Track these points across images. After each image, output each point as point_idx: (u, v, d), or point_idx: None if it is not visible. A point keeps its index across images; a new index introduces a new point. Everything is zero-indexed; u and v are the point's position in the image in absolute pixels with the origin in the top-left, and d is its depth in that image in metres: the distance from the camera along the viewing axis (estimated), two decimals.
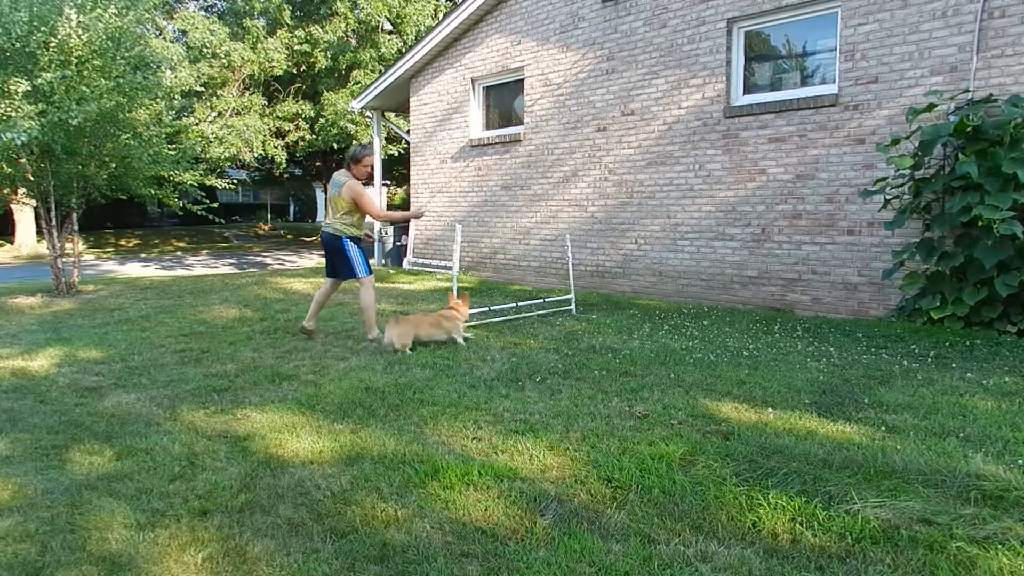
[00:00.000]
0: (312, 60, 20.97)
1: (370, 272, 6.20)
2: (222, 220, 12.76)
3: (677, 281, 9.13)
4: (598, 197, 10.04)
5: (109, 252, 22.10)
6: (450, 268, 11.34)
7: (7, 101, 8.38)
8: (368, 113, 15.20)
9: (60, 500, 3.13)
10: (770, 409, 4.23)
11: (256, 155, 21.02)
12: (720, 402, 4.41)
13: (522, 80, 11.09)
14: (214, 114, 19.81)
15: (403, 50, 18.63)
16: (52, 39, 8.52)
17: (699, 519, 2.83)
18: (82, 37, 8.63)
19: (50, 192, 9.47)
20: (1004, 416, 3.99)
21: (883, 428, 3.82)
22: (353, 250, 6.14)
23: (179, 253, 21.74)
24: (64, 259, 10.04)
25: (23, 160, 9.06)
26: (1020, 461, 3.25)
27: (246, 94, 21.30)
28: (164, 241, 25.90)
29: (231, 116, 20.14)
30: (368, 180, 6.01)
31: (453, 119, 12.37)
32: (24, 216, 22.07)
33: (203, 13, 22.04)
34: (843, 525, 2.72)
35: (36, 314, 8.39)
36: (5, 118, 8.26)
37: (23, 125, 7.83)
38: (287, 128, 22.19)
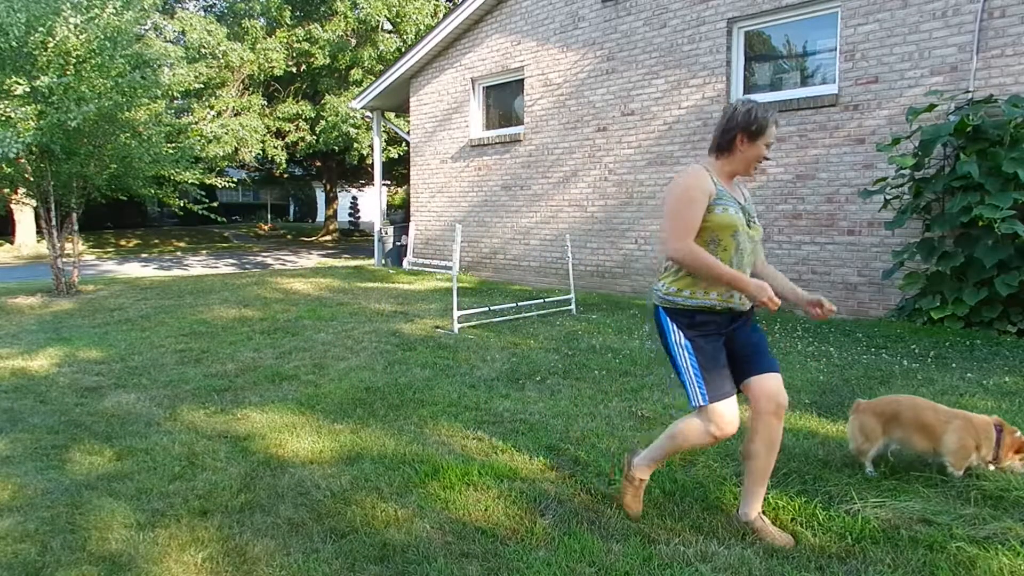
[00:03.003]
0: (311, 59, 20.98)
1: (716, 398, 2.68)
2: (223, 219, 12.77)
3: None
4: (598, 197, 10.03)
5: (109, 252, 22.10)
6: (450, 268, 11.34)
7: (5, 102, 8.37)
8: (368, 113, 15.20)
9: (60, 500, 3.13)
10: None
11: (254, 154, 21.02)
12: None
13: (522, 80, 11.09)
14: (213, 113, 19.80)
15: (402, 49, 18.63)
16: (50, 39, 8.52)
17: (699, 519, 2.83)
18: (80, 38, 8.63)
19: (50, 192, 9.47)
20: (1004, 416, 3.98)
21: None
22: (678, 338, 2.74)
23: (179, 253, 21.74)
24: (64, 259, 10.03)
25: (23, 160, 9.06)
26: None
27: (245, 94, 21.31)
28: (164, 241, 25.88)
29: (230, 116, 20.14)
30: (748, 167, 2.78)
31: (453, 119, 12.37)
32: (24, 216, 22.05)
33: (202, 13, 22.04)
34: (843, 525, 2.72)
35: (36, 314, 8.39)
36: (4, 118, 8.26)
37: (14, 136, 7.78)
38: (287, 129, 22.20)
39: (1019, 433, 3.11)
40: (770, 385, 2.69)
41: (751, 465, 2.76)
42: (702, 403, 2.68)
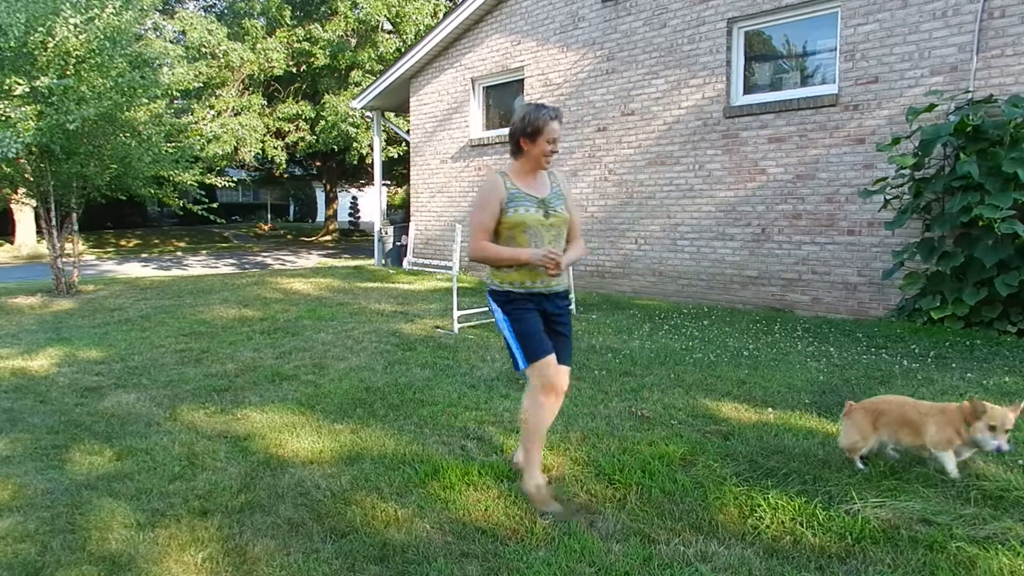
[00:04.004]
0: (311, 59, 20.99)
1: (534, 358, 3.06)
2: (222, 220, 12.75)
3: (677, 281, 9.13)
4: (598, 197, 10.03)
5: (109, 252, 22.10)
6: (450, 268, 11.34)
7: (5, 102, 8.38)
8: (368, 113, 15.19)
9: (60, 500, 3.13)
10: (770, 409, 4.23)
11: (253, 153, 21.02)
12: (720, 402, 4.41)
13: (522, 80, 11.08)
14: (212, 113, 19.81)
15: (402, 49, 18.63)
16: (50, 39, 8.51)
17: (699, 519, 2.83)
18: (79, 38, 8.63)
19: (50, 192, 9.47)
20: None
21: None
22: (499, 314, 3.19)
23: (179, 253, 21.74)
24: (64, 259, 10.03)
25: (22, 160, 9.06)
26: (1020, 461, 3.25)
27: (245, 94, 21.31)
28: (164, 241, 25.88)
29: (230, 116, 20.15)
30: (538, 162, 3.14)
31: (453, 119, 12.37)
32: (24, 216, 22.05)
33: (202, 13, 22.05)
34: (843, 525, 2.72)
35: (36, 314, 8.39)
36: (4, 118, 8.26)
37: (13, 136, 7.77)
38: (287, 129, 22.20)
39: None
40: (560, 376, 3.12)
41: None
42: (524, 365, 3.06)
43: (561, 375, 3.12)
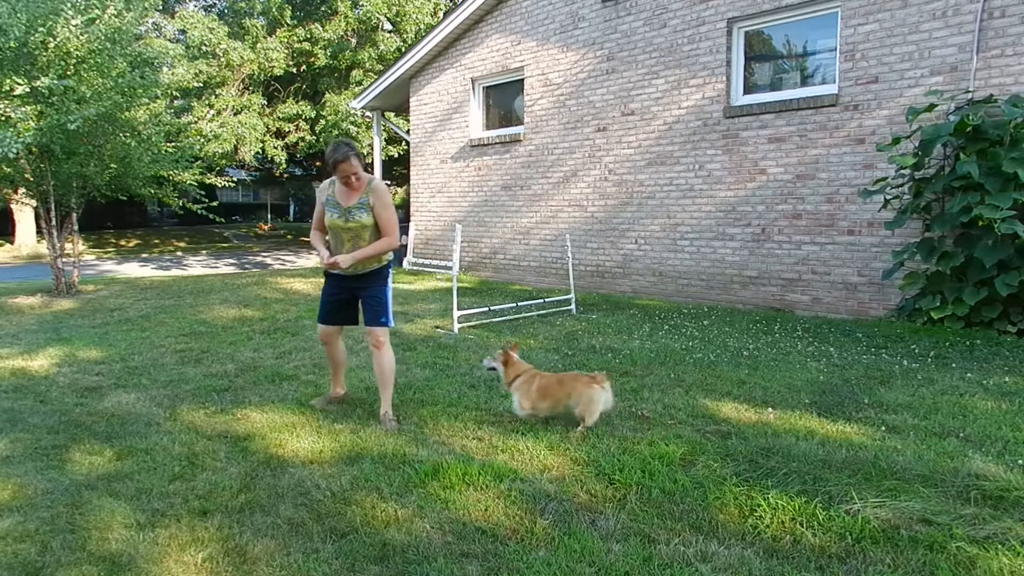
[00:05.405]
0: (312, 59, 20.98)
1: (318, 320, 4.50)
2: (222, 220, 12.75)
3: (677, 281, 9.13)
4: (598, 197, 10.03)
5: (109, 252, 22.09)
6: (450, 268, 11.33)
7: (5, 102, 8.37)
8: (368, 113, 15.19)
9: (60, 500, 3.13)
10: (770, 409, 4.23)
11: (253, 153, 21.01)
12: (720, 402, 4.41)
13: (522, 80, 11.08)
14: (212, 112, 19.80)
15: (402, 49, 18.63)
16: (50, 39, 8.51)
17: (699, 519, 2.84)
18: (80, 38, 8.63)
19: (50, 192, 9.46)
20: (1004, 416, 3.99)
21: (883, 428, 3.82)
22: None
23: (179, 253, 21.73)
24: (64, 259, 10.03)
25: (22, 160, 9.06)
26: (1020, 461, 3.25)
27: (245, 94, 21.30)
28: (164, 241, 25.87)
29: (230, 115, 20.14)
30: (343, 183, 4.15)
31: (453, 119, 12.37)
32: (24, 216, 22.03)
33: (202, 12, 22.05)
34: (843, 525, 2.72)
35: (36, 314, 8.39)
36: (4, 118, 8.25)
37: (13, 136, 7.75)
38: (287, 128, 22.20)
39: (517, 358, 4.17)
40: (370, 334, 4.25)
41: (378, 379, 4.27)
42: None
43: (370, 335, 4.23)
